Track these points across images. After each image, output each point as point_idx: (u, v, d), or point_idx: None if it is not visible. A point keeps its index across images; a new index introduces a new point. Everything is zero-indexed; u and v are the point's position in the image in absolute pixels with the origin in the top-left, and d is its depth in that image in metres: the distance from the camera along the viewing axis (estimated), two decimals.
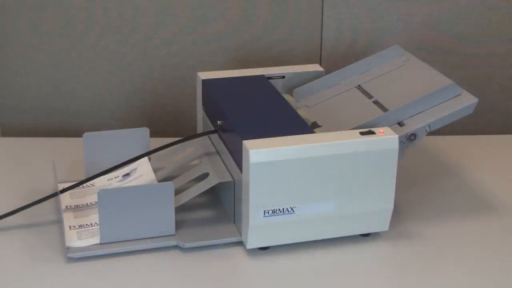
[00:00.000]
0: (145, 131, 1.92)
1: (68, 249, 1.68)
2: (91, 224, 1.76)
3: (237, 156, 1.70)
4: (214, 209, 1.85)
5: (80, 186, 1.85)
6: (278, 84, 2.00)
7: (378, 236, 1.78)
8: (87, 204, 1.83)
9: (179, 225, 1.75)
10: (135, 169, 1.87)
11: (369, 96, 1.90)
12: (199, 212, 1.84)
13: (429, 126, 1.76)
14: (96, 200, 1.68)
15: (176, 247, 1.72)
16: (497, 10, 2.36)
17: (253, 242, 1.70)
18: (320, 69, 2.04)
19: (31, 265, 1.66)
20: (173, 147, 1.86)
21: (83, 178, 1.85)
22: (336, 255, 1.72)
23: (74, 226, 1.75)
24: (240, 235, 1.73)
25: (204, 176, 1.80)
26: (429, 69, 1.93)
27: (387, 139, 1.68)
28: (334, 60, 2.41)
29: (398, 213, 1.85)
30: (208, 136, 1.91)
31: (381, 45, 2.33)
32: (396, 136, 1.68)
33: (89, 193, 1.86)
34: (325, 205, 1.70)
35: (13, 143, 2.19)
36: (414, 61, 1.99)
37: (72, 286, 1.62)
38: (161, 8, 2.31)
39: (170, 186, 1.70)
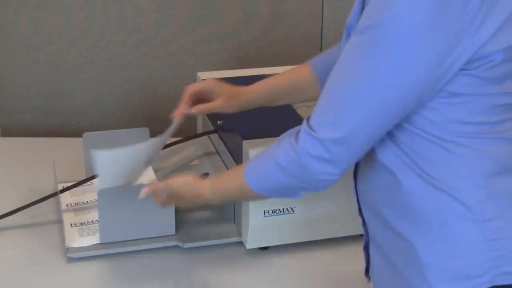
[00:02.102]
0: (145, 131, 1.92)
1: (68, 249, 1.68)
2: (92, 221, 1.76)
3: (237, 156, 1.70)
4: (214, 209, 1.85)
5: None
6: None
7: None
8: (87, 202, 1.83)
9: (179, 225, 1.75)
10: None
11: None
12: (199, 212, 1.84)
13: None
14: (96, 198, 1.68)
15: (176, 247, 1.72)
16: None
17: (253, 242, 1.70)
18: None
19: (31, 265, 1.66)
20: (173, 147, 1.86)
21: (83, 178, 1.85)
22: (335, 255, 1.72)
23: (76, 224, 1.75)
24: (240, 235, 1.73)
25: (204, 176, 1.80)
26: None
27: None
28: None
29: None
30: (208, 136, 1.91)
31: None
32: None
33: (90, 191, 1.86)
34: (325, 205, 1.70)
35: (13, 143, 2.19)
36: None
37: (72, 286, 1.62)
38: (161, 8, 2.31)
39: None
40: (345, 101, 1.17)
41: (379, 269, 1.33)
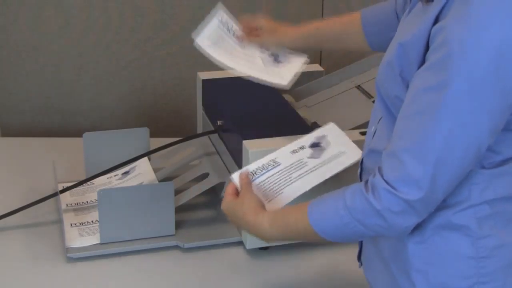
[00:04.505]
0: (145, 131, 1.92)
1: (68, 249, 1.68)
2: (92, 221, 1.76)
3: (237, 156, 1.70)
4: (214, 209, 1.85)
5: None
6: None
7: None
8: (87, 202, 1.84)
9: (179, 225, 1.75)
10: (134, 167, 1.87)
11: (369, 96, 1.90)
12: (199, 212, 1.84)
13: None
14: (96, 198, 1.68)
15: (176, 247, 1.72)
16: None
17: (253, 242, 1.70)
18: (320, 69, 2.04)
19: (31, 265, 1.66)
20: (173, 147, 1.86)
21: (83, 178, 1.85)
22: (335, 255, 1.72)
23: (75, 224, 1.75)
24: (240, 235, 1.73)
25: (204, 176, 1.80)
26: None
27: None
28: (334, 60, 2.41)
29: None
30: (208, 136, 1.92)
31: None
32: None
33: (89, 191, 1.86)
34: None
35: (13, 143, 2.19)
36: None
37: (72, 286, 1.62)
38: (161, 8, 2.31)
39: (170, 186, 1.70)
40: (433, 158, 1.11)
41: (370, 256, 1.34)
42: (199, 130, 2.01)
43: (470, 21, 1.06)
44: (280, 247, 1.72)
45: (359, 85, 1.96)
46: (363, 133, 1.67)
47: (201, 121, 2.00)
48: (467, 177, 1.17)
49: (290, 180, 1.41)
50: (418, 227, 1.22)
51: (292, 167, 1.43)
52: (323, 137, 1.47)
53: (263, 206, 1.33)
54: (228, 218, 1.36)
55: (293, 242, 1.30)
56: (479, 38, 1.06)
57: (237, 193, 1.36)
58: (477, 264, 1.20)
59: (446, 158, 1.11)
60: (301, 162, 1.44)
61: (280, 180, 1.41)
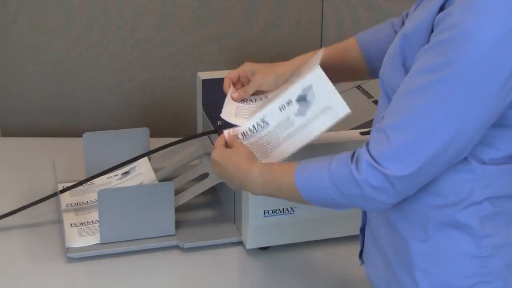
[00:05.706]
0: (145, 131, 1.92)
1: (68, 249, 1.68)
2: (92, 221, 1.76)
3: None
4: (214, 209, 1.85)
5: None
6: None
7: None
8: (87, 202, 1.84)
9: (179, 225, 1.75)
10: (134, 167, 1.87)
11: (369, 96, 1.90)
12: (199, 212, 1.84)
13: None
14: (96, 198, 1.68)
15: (176, 247, 1.72)
16: None
17: (253, 242, 1.70)
18: None
19: (31, 265, 1.66)
20: (173, 147, 1.86)
21: (83, 178, 1.85)
22: (335, 255, 1.72)
23: (75, 224, 1.75)
24: (240, 235, 1.73)
25: (204, 176, 1.80)
26: None
27: None
28: None
29: None
30: (208, 136, 1.91)
31: None
32: None
33: (89, 191, 1.86)
34: None
35: (13, 143, 2.19)
36: None
37: (72, 286, 1.62)
38: (161, 9, 2.31)
39: (170, 186, 1.70)
40: (419, 137, 1.12)
41: (372, 254, 1.34)
42: (199, 130, 2.01)
43: (475, 8, 1.06)
44: (280, 247, 1.72)
45: (359, 85, 1.96)
46: (363, 133, 1.67)
47: (201, 121, 2.00)
48: (468, 173, 1.17)
49: (278, 142, 1.43)
50: (421, 226, 1.22)
51: (280, 126, 1.44)
52: (309, 87, 1.43)
53: (255, 158, 1.37)
54: (213, 169, 1.40)
55: (276, 198, 1.31)
56: (482, 27, 1.06)
57: (227, 145, 1.41)
58: (480, 263, 1.20)
59: (432, 141, 1.11)
60: (288, 120, 1.44)
61: (269, 142, 1.43)
